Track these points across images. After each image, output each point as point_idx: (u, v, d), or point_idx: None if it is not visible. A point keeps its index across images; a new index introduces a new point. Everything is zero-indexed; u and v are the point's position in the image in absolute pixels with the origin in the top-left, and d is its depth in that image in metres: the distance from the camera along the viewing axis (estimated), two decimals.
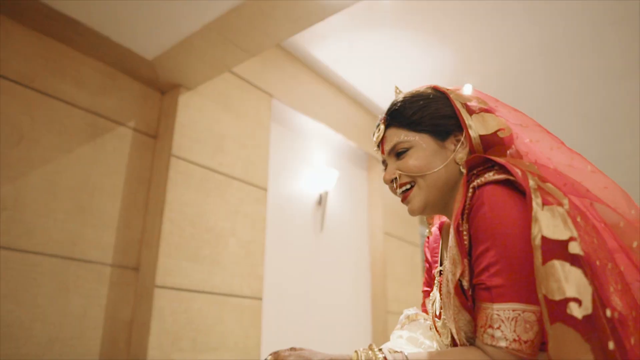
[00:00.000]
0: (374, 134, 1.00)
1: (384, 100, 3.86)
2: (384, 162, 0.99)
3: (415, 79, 3.52)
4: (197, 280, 2.37)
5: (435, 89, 0.99)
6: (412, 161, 0.91)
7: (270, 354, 0.78)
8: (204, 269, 2.41)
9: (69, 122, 2.21)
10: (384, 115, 0.99)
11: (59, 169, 2.13)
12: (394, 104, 0.98)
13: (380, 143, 0.98)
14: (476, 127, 0.90)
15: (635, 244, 0.78)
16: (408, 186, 0.94)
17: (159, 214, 2.33)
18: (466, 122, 0.91)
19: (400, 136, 0.93)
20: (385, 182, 0.97)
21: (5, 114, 1.99)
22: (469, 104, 0.93)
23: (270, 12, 2.00)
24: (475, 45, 3.15)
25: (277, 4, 1.95)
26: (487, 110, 0.92)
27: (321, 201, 3.48)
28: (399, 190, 0.95)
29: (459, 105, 0.92)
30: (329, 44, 3.21)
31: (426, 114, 0.93)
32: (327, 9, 1.99)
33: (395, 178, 0.95)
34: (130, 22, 2.14)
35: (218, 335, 2.39)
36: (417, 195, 0.93)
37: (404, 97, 0.98)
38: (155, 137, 2.56)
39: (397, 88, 1.05)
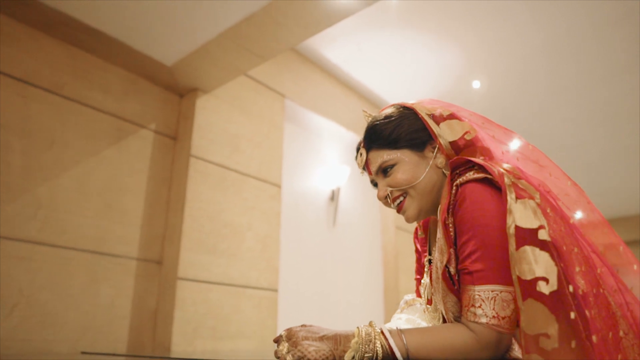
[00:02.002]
0: (356, 158, 1.09)
1: (393, 97, 3.96)
2: (373, 182, 1.08)
3: (423, 77, 3.62)
4: (216, 272, 2.52)
5: (402, 106, 1.07)
6: (400, 175, 1.00)
7: (285, 330, 0.90)
8: (223, 262, 2.56)
9: (96, 126, 2.36)
10: (362, 140, 1.08)
11: (87, 171, 2.29)
12: (369, 129, 1.06)
13: (366, 166, 1.07)
14: (445, 134, 1.00)
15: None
16: (401, 198, 1.03)
17: (180, 211, 2.48)
18: (435, 132, 1.00)
19: (383, 156, 1.02)
20: (380, 199, 1.06)
21: (38, 120, 2.16)
22: (434, 113, 1.02)
23: (281, 20, 2.12)
24: (480, 45, 3.23)
25: (287, 12, 2.08)
26: (452, 116, 1.02)
27: (334, 197, 3.59)
28: (393, 205, 1.05)
29: (426, 118, 1.01)
30: (340, 45, 3.32)
31: (401, 131, 1.01)
32: (334, 15, 2.11)
33: (388, 194, 1.04)
34: (151, 31, 2.29)
35: (236, 324, 2.54)
36: (411, 204, 1.02)
37: (378, 121, 1.05)
38: (175, 139, 2.71)
39: (365, 112, 1.13)
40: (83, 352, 1.84)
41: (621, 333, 0.82)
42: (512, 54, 3.31)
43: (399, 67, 3.56)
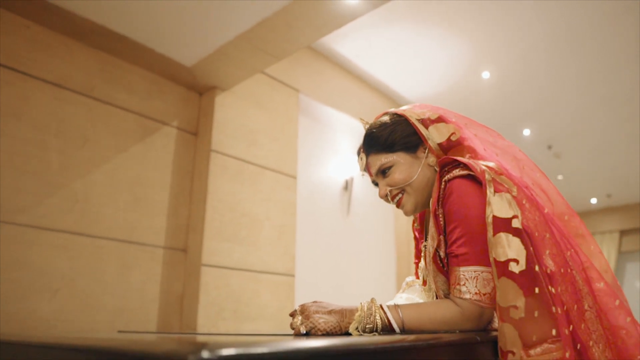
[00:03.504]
0: (357, 162, 1.23)
1: (404, 89, 4.06)
2: (374, 182, 1.22)
3: (432, 69, 3.72)
4: (237, 259, 2.70)
5: (394, 114, 1.19)
6: (397, 175, 1.14)
7: (299, 305, 1.05)
8: (243, 250, 2.74)
9: (123, 125, 2.54)
10: (361, 146, 1.21)
11: (117, 166, 2.48)
12: (367, 136, 1.19)
13: (366, 168, 1.21)
14: (433, 136, 1.13)
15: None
16: (400, 195, 1.16)
17: (202, 202, 2.65)
18: (425, 135, 1.13)
19: (381, 159, 1.15)
20: (381, 197, 1.20)
21: (72, 121, 2.34)
22: (424, 118, 1.15)
23: (293, 23, 2.26)
24: (487, 38, 3.32)
25: (299, 15, 2.21)
26: (439, 119, 1.14)
27: (347, 186, 3.72)
28: (392, 201, 1.19)
29: (416, 123, 1.14)
30: (351, 40, 3.43)
31: (396, 136, 1.14)
32: (343, 17, 2.23)
33: (388, 192, 1.17)
34: (172, 35, 2.44)
35: (256, 307, 2.72)
36: (408, 200, 1.16)
37: (374, 128, 1.18)
38: (196, 134, 2.88)
39: (362, 120, 1.25)
40: (119, 331, 2.04)
41: (586, 306, 0.95)
42: (518, 47, 3.39)
43: (409, 60, 3.66)
